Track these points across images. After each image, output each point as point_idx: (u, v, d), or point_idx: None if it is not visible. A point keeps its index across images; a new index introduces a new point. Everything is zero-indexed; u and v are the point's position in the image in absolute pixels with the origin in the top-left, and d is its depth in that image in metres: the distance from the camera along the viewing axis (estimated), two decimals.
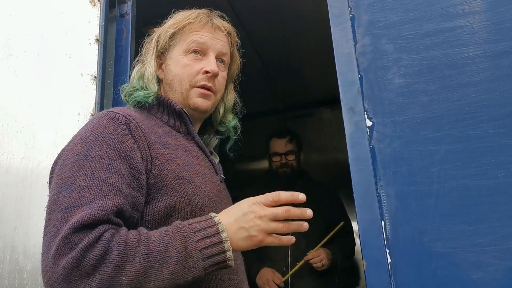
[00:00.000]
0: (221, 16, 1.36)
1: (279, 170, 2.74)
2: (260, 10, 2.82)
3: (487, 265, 1.11)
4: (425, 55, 1.31)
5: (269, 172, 2.86)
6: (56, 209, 0.94)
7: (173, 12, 1.36)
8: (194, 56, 1.27)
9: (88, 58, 1.62)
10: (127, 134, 1.06)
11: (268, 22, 2.94)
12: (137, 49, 1.72)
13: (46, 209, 0.98)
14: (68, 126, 1.55)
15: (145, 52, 1.33)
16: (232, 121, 1.40)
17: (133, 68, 1.34)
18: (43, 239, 0.93)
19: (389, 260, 1.19)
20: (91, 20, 1.67)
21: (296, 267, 2.42)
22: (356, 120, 1.33)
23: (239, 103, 1.44)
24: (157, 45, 1.30)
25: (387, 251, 1.19)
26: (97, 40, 1.62)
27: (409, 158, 1.25)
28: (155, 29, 1.36)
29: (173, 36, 1.29)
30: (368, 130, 1.31)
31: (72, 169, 0.99)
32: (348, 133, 1.33)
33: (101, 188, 0.96)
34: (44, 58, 1.72)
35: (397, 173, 1.25)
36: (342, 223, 2.55)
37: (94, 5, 1.67)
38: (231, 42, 1.36)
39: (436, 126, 1.24)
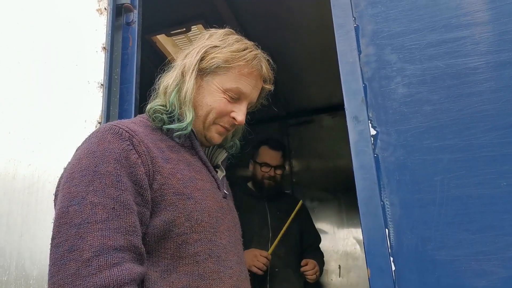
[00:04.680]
0: (267, 60, 1.35)
1: (265, 181, 2.79)
2: (262, 17, 2.84)
3: (490, 273, 1.12)
4: (428, 65, 1.33)
5: (252, 179, 2.89)
6: (66, 223, 0.96)
7: (225, 27, 1.34)
8: (229, 97, 1.26)
9: (94, 66, 1.64)
10: (131, 149, 1.07)
11: (270, 29, 2.95)
12: (143, 56, 1.75)
13: (54, 220, 0.99)
14: (75, 133, 1.56)
15: (186, 61, 1.27)
16: (233, 148, 1.44)
17: (163, 73, 1.32)
18: (53, 250, 0.95)
19: (393, 268, 1.20)
20: (98, 28, 1.68)
21: (280, 234, 2.55)
22: (361, 129, 1.34)
23: (246, 131, 1.47)
24: (200, 62, 1.26)
25: (391, 259, 1.21)
26: (104, 48, 1.64)
27: (413, 167, 1.26)
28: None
29: (219, 66, 1.26)
30: (372, 139, 1.33)
31: (81, 183, 1.00)
32: (353, 141, 1.34)
33: (114, 207, 0.98)
34: (51, 65, 1.74)
35: (401, 181, 1.26)
36: (300, 202, 2.74)
37: (101, 13, 1.69)
38: (264, 89, 1.37)
39: (440, 135, 1.26)
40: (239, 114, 1.27)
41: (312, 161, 4.17)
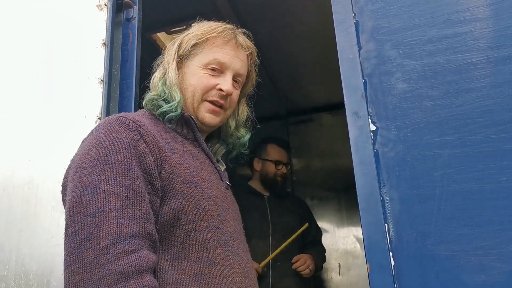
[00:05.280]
0: (245, 34, 1.37)
1: (278, 178, 2.87)
2: (263, 15, 2.84)
3: (489, 268, 1.12)
4: (428, 60, 1.33)
5: (261, 177, 2.91)
6: (80, 212, 0.97)
7: (198, 20, 1.37)
8: (212, 72, 1.28)
9: (94, 61, 1.63)
10: (139, 139, 1.08)
11: (270, 26, 2.95)
12: (143, 53, 1.75)
13: (66, 210, 0.99)
14: (75, 128, 1.56)
15: (167, 56, 1.33)
16: (245, 136, 1.42)
17: (153, 72, 1.35)
18: (68, 239, 0.96)
19: (393, 263, 1.20)
20: (98, 24, 1.68)
21: (277, 250, 2.56)
22: (360, 124, 1.34)
23: (252, 117, 1.45)
24: (178, 51, 1.31)
25: (391, 254, 1.20)
26: (104, 44, 1.63)
27: (413, 162, 1.26)
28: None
29: (195, 46, 1.29)
30: (372, 134, 1.33)
31: (92, 173, 1.00)
32: (352, 137, 1.34)
33: (127, 196, 0.99)
34: (51, 62, 1.74)
35: (401, 177, 1.26)
36: (306, 224, 2.74)
37: (101, 9, 1.69)
38: (250, 61, 1.38)
39: (439, 130, 1.26)
40: (224, 84, 1.27)
41: (313, 159, 4.17)
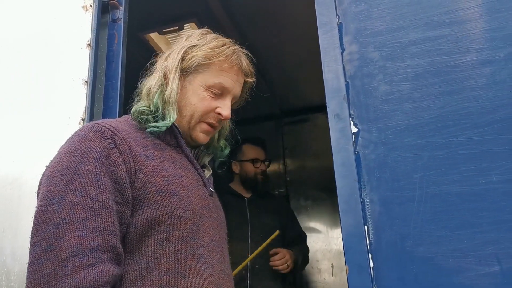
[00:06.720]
0: (246, 55, 1.36)
1: (259, 176, 2.86)
2: (256, 16, 2.85)
3: (467, 270, 1.12)
4: (410, 63, 1.33)
5: (242, 178, 2.90)
6: (44, 222, 0.97)
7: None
8: (213, 94, 1.27)
9: (79, 62, 1.63)
10: (113, 147, 1.07)
11: (263, 27, 2.96)
12: (128, 55, 1.75)
13: (33, 219, 0.99)
14: (58, 129, 1.56)
15: (165, 65, 1.28)
16: (224, 149, 1.42)
17: (145, 77, 1.33)
18: (31, 249, 0.96)
19: (372, 265, 1.20)
20: (83, 25, 1.68)
21: (248, 258, 2.50)
22: (342, 126, 1.35)
23: (234, 129, 1.46)
24: (181, 63, 1.27)
25: (370, 255, 1.21)
26: (89, 45, 1.64)
27: (393, 164, 1.26)
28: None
29: (200, 63, 1.27)
30: (353, 136, 1.33)
31: (60, 182, 1.00)
32: (334, 139, 1.34)
33: (92, 207, 0.98)
34: (35, 62, 1.74)
35: (381, 179, 1.27)
36: (277, 232, 2.59)
37: (86, 10, 1.69)
38: (247, 83, 1.37)
39: (420, 133, 1.26)
40: (224, 109, 1.28)
41: (307, 160, 4.17)
